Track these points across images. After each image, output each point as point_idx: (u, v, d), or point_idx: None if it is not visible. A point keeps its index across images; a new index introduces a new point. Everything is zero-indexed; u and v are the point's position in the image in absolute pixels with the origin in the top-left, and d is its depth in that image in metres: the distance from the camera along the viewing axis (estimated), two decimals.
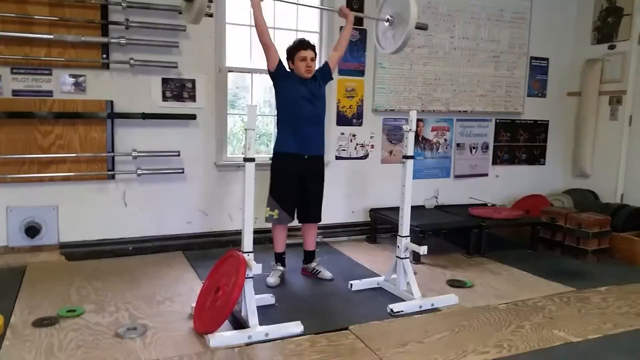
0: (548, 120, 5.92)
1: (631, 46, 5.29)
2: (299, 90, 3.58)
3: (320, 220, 3.85)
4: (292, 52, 3.62)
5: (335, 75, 4.68)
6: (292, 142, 3.61)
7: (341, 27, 3.86)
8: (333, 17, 4.69)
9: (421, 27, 3.73)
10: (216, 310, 2.78)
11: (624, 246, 4.52)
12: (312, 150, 3.67)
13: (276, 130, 3.75)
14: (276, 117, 3.75)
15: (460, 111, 5.38)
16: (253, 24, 3.51)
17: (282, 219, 3.66)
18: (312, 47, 3.63)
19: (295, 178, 3.63)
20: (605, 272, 4.15)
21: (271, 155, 3.77)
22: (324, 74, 3.75)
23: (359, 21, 4.77)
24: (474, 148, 5.55)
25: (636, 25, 5.24)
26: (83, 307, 3.12)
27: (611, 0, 5.48)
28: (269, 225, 3.78)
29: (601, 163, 5.58)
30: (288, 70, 3.65)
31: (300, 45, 3.60)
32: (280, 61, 3.59)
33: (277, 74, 3.60)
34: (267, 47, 3.53)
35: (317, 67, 3.72)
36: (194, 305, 2.98)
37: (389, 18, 3.63)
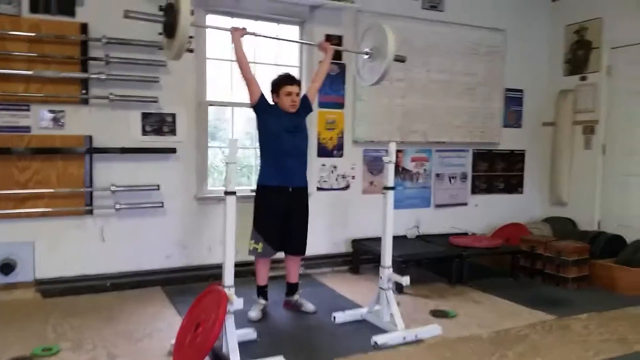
0: (524, 150, 6.04)
1: (600, 78, 5.46)
2: (281, 124, 3.60)
3: (304, 253, 3.83)
4: (277, 86, 3.66)
5: (315, 107, 4.74)
6: (275, 175, 3.62)
7: (320, 61, 3.92)
8: (312, 51, 4.78)
9: (400, 59, 3.82)
10: (196, 347, 2.72)
11: (603, 273, 4.57)
12: (296, 182, 3.67)
13: (259, 162, 3.76)
14: (259, 150, 3.76)
15: (438, 142, 5.46)
16: (234, 58, 3.56)
17: (266, 252, 3.63)
18: (298, 83, 3.68)
19: (279, 211, 3.63)
20: (585, 299, 4.19)
21: (252, 188, 3.76)
22: (305, 106, 3.78)
23: (338, 56, 4.86)
24: (453, 178, 5.62)
25: (604, 57, 5.43)
26: (59, 345, 3.04)
27: (580, 34, 5.68)
28: (251, 258, 3.74)
29: (578, 191, 5.69)
30: (271, 103, 3.68)
31: (286, 80, 3.64)
32: (262, 95, 3.62)
33: (260, 108, 3.63)
34: (249, 81, 3.57)
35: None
36: (173, 342, 2.92)
37: (368, 51, 3.71)
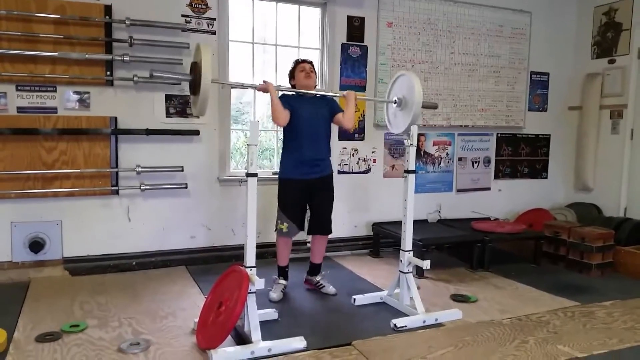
0: (550, 134, 5.94)
1: (631, 60, 5.32)
2: (301, 113, 3.56)
3: (330, 232, 3.84)
4: (292, 70, 3.74)
5: (335, 89, 4.77)
6: (295, 169, 3.62)
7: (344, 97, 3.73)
8: (334, 34, 4.75)
9: (430, 106, 3.82)
10: (219, 325, 2.78)
11: (628, 260, 4.50)
12: (317, 173, 3.67)
13: (281, 154, 3.75)
14: (283, 141, 3.75)
15: (461, 125, 5.40)
16: (270, 105, 3.43)
17: (290, 232, 3.66)
18: (310, 62, 3.75)
19: (301, 196, 3.66)
20: (609, 287, 4.13)
21: (274, 170, 3.78)
22: (334, 107, 3.71)
23: (359, 38, 4.84)
24: (475, 162, 5.57)
25: (635, 40, 5.28)
26: (86, 322, 3.12)
27: (610, 15, 5.53)
28: (272, 239, 3.77)
29: (603, 177, 5.59)
30: (290, 95, 3.63)
31: (298, 62, 3.75)
32: (280, 97, 3.50)
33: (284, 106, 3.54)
34: (282, 125, 3.57)
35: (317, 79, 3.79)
36: (196, 320, 2.98)
37: (397, 100, 3.65)
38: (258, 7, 4.58)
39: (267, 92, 3.36)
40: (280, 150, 3.83)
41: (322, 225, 3.78)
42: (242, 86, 3.87)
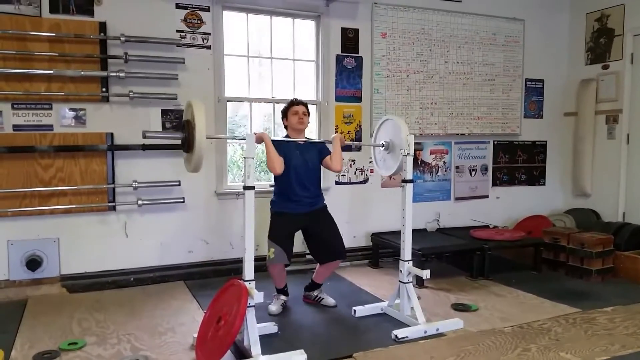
0: (546, 141, 5.95)
1: (624, 66, 5.35)
2: (292, 160, 3.56)
3: (345, 256, 3.79)
4: (285, 111, 3.71)
5: (330, 100, 4.78)
6: (287, 202, 3.61)
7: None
8: (329, 46, 4.77)
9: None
10: (218, 340, 2.75)
11: (628, 265, 4.49)
12: (311, 207, 3.66)
13: (273, 191, 3.75)
14: (273, 181, 3.73)
15: (458, 134, 5.41)
16: (265, 153, 3.44)
17: (278, 257, 3.53)
18: (304, 104, 3.71)
19: (294, 223, 3.62)
20: (610, 292, 4.12)
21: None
22: (323, 151, 3.71)
23: (354, 49, 4.87)
24: (473, 170, 5.57)
25: (627, 45, 5.31)
26: (85, 339, 3.09)
27: (602, 21, 5.57)
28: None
29: (601, 182, 5.59)
30: (280, 141, 3.59)
31: (293, 102, 3.71)
32: (272, 142, 3.47)
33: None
34: (278, 174, 3.51)
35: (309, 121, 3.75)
36: (195, 335, 2.95)
37: (384, 143, 3.68)
38: (252, 20, 4.61)
39: (261, 142, 3.37)
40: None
41: (335, 250, 3.71)
42: (236, 138, 3.79)
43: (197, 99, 2.94)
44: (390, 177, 3.67)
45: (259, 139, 3.33)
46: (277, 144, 3.53)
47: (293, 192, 3.59)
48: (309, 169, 3.65)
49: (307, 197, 3.64)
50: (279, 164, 3.45)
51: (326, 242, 3.69)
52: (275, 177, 3.66)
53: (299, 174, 3.59)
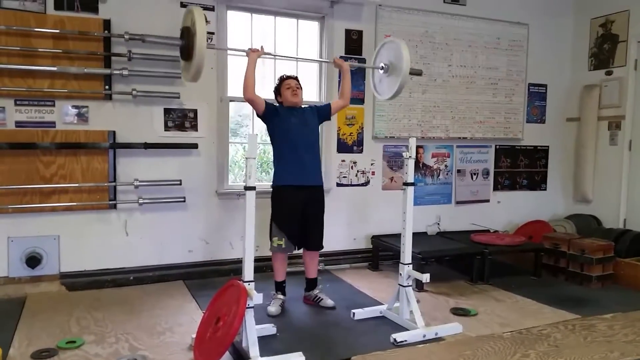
0: (548, 146, 5.94)
1: (627, 72, 5.34)
2: (290, 121, 3.63)
3: (322, 248, 3.84)
4: (278, 86, 3.76)
5: (333, 100, 4.75)
6: (290, 174, 3.63)
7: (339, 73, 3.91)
8: (332, 48, 4.76)
9: (415, 73, 3.83)
10: (217, 341, 2.75)
11: (628, 272, 4.48)
12: (310, 181, 3.69)
13: (273, 165, 3.78)
14: (272, 154, 3.78)
15: (460, 137, 5.41)
16: (243, 75, 3.53)
17: (288, 248, 3.67)
18: (295, 78, 3.76)
19: (297, 208, 3.65)
20: (610, 299, 4.11)
21: (271, 184, 3.78)
22: (323, 111, 3.81)
23: (357, 51, 4.86)
24: (474, 174, 5.56)
25: (631, 51, 5.31)
26: (83, 338, 3.09)
27: (606, 27, 5.56)
28: (270, 253, 3.76)
29: (602, 188, 5.58)
30: (276, 104, 3.71)
31: (283, 78, 3.76)
32: (266, 103, 3.64)
33: (267, 113, 3.65)
34: (251, 99, 3.58)
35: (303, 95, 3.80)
36: (194, 335, 2.95)
37: (384, 66, 3.68)
38: (257, 20, 4.60)
39: (258, 57, 3.47)
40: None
41: (314, 241, 3.77)
42: (237, 50, 3.86)
43: (197, 7, 2.90)
44: (389, 99, 3.78)
45: (256, 55, 3.45)
46: (273, 107, 3.62)
47: (296, 158, 3.61)
48: (309, 131, 3.69)
49: (309, 166, 3.65)
50: (252, 90, 3.50)
51: (310, 232, 3.72)
52: (275, 144, 3.70)
53: (300, 136, 3.62)
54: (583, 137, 5.69)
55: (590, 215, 5.61)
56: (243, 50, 3.56)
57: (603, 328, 3.45)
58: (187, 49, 2.86)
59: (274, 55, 3.70)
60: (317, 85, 4.87)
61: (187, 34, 2.84)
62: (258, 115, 3.69)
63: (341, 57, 4.78)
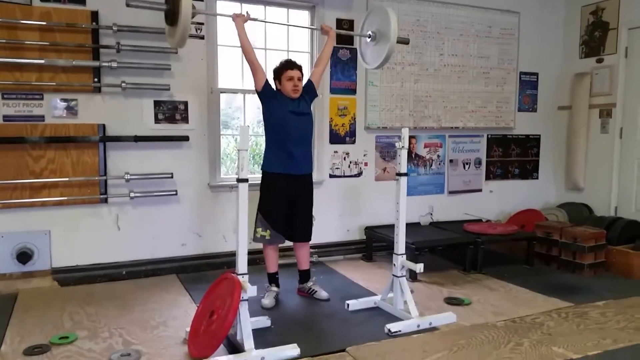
0: (540, 135, 5.95)
1: (618, 59, 5.35)
2: (286, 109, 3.59)
3: (310, 239, 3.82)
4: (278, 72, 3.64)
5: (326, 92, 4.73)
6: (280, 162, 3.61)
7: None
8: (323, 37, 4.70)
9: (403, 41, 3.80)
10: (211, 334, 2.74)
11: (620, 259, 4.51)
12: (300, 169, 3.66)
13: (264, 149, 3.75)
14: (265, 137, 3.75)
15: (452, 127, 5.40)
16: (239, 45, 3.54)
17: (274, 239, 3.64)
18: (299, 67, 3.64)
19: (285, 197, 3.62)
20: (602, 286, 4.14)
21: (261, 168, 3.75)
22: (309, 91, 3.75)
23: (349, 41, 4.82)
24: (467, 164, 5.57)
25: (622, 39, 5.31)
26: (76, 333, 3.07)
27: (597, 14, 5.56)
28: (261, 245, 3.75)
29: (594, 176, 5.61)
30: (275, 89, 3.66)
31: (287, 65, 3.62)
32: (267, 81, 3.60)
33: (265, 94, 3.61)
34: (254, 65, 3.55)
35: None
36: (188, 329, 2.94)
37: (371, 34, 3.68)
38: (246, 9, 4.54)
39: (244, 22, 3.46)
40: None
41: (302, 232, 3.75)
42: (220, 15, 3.85)
43: None
44: (377, 67, 3.82)
45: (242, 21, 3.45)
46: (273, 90, 3.59)
47: (285, 148, 3.58)
48: (303, 122, 3.65)
49: (299, 152, 3.61)
50: (251, 50, 3.52)
51: (298, 223, 3.70)
52: (267, 131, 3.67)
53: (294, 121, 3.58)
54: (574, 125, 5.70)
55: (582, 203, 5.64)
56: (229, 16, 3.52)
57: (595, 315, 3.48)
58: (172, 13, 2.84)
59: (259, 20, 3.71)
60: (308, 55, 4.81)
61: None
62: (256, 90, 3.62)
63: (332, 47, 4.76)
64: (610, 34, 5.42)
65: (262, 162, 3.74)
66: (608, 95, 5.45)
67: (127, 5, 2.93)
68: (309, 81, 3.78)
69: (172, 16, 2.88)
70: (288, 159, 3.59)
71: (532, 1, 5.69)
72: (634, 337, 3.12)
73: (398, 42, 3.65)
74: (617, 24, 5.36)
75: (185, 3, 2.75)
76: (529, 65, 5.77)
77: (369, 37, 3.73)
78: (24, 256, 3.88)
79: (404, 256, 3.47)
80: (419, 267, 3.39)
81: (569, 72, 5.82)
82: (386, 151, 5.11)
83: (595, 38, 5.58)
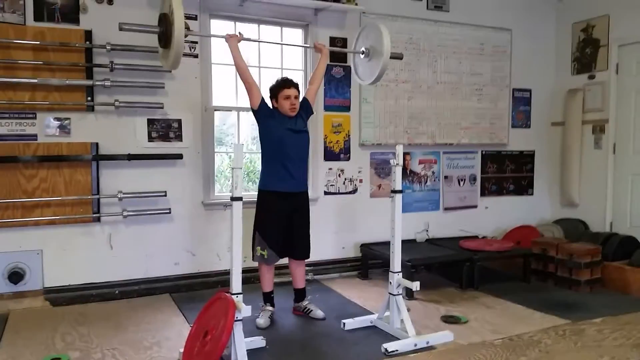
0: (534, 151, 5.97)
1: (609, 76, 5.39)
2: (283, 128, 3.58)
3: (308, 257, 3.80)
4: (275, 90, 3.63)
5: (320, 109, 4.74)
6: (277, 180, 3.59)
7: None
8: (317, 55, 4.73)
9: (396, 57, 3.83)
10: (205, 355, 2.70)
11: (616, 275, 4.50)
12: (297, 187, 3.65)
13: (260, 167, 3.74)
14: (261, 154, 3.74)
15: (446, 144, 5.41)
16: (233, 64, 3.55)
17: (271, 259, 3.61)
18: (296, 86, 3.64)
19: (282, 216, 3.60)
20: (599, 303, 4.12)
21: (257, 192, 3.74)
22: (305, 108, 3.75)
23: (342, 58, 4.85)
24: (462, 180, 5.57)
25: (612, 55, 5.36)
26: (68, 354, 3.02)
27: (587, 32, 5.62)
28: (257, 264, 3.71)
29: (589, 192, 5.62)
30: (271, 107, 3.65)
31: (284, 84, 3.61)
32: (263, 99, 3.60)
33: (261, 112, 3.60)
34: (249, 84, 3.55)
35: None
36: (182, 350, 2.90)
37: (364, 50, 3.72)
38: (240, 29, 4.56)
39: (238, 42, 3.47)
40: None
41: (301, 250, 3.72)
42: (217, 36, 3.85)
43: None
44: (372, 83, 3.87)
45: (235, 41, 3.46)
46: (269, 108, 3.60)
47: (282, 166, 3.56)
48: (300, 140, 3.65)
49: (295, 170, 3.60)
50: (247, 70, 3.52)
51: (296, 241, 3.68)
52: (264, 149, 3.66)
53: (289, 149, 3.57)
54: (568, 141, 5.73)
55: (578, 219, 5.63)
56: (222, 37, 3.53)
57: (593, 333, 3.45)
58: (165, 35, 2.85)
59: (253, 40, 3.76)
60: (302, 94, 4.81)
61: (165, 21, 2.83)
62: (252, 108, 3.61)
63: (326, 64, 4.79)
64: (601, 50, 5.47)
65: (258, 180, 3.72)
66: (600, 111, 5.49)
67: (120, 29, 2.95)
68: (305, 99, 3.78)
69: (165, 39, 2.89)
70: (285, 176, 3.58)
71: (524, 18, 5.75)
72: (631, 354, 3.09)
73: (391, 57, 3.67)
74: (607, 41, 5.41)
75: (177, 27, 2.76)
76: (522, 82, 5.81)
77: (362, 54, 3.76)
78: (15, 276, 3.83)
79: (400, 274, 3.44)
80: (415, 285, 3.36)
81: (561, 89, 5.87)
82: (381, 168, 5.11)
83: (587, 55, 5.64)
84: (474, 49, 5.48)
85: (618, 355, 3.06)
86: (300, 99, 3.70)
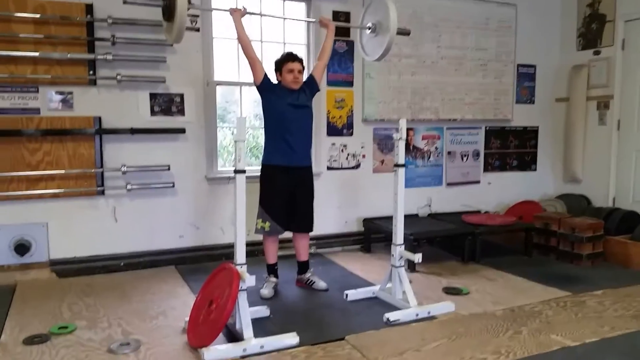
0: (538, 127, 5.95)
1: (615, 52, 5.34)
2: (285, 102, 3.59)
3: (311, 230, 3.83)
4: (279, 64, 3.64)
5: (323, 86, 4.70)
6: (279, 154, 3.61)
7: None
8: (319, 29, 4.69)
9: (403, 32, 3.80)
10: (210, 323, 2.74)
11: (618, 250, 4.52)
12: (300, 162, 3.67)
13: (264, 141, 3.75)
14: (264, 129, 3.75)
15: (450, 119, 5.39)
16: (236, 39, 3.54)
17: (273, 231, 3.64)
18: (300, 60, 3.64)
19: (284, 189, 3.62)
20: (600, 276, 4.14)
21: (260, 167, 3.75)
22: (311, 85, 3.75)
23: (345, 32, 4.81)
24: (465, 155, 5.56)
25: (619, 31, 5.30)
26: (75, 323, 3.07)
27: (594, 7, 5.55)
28: (260, 237, 3.75)
29: (592, 168, 5.61)
30: (275, 82, 3.66)
31: (288, 57, 3.62)
32: (265, 74, 3.60)
33: (264, 87, 3.61)
34: (252, 60, 3.55)
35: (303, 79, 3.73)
36: (187, 319, 2.94)
37: (371, 26, 3.68)
38: (242, 2, 4.52)
39: (241, 17, 3.46)
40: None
41: (305, 223, 3.75)
42: (217, 10, 3.87)
43: None
44: (378, 59, 3.86)
45: (239, 15, 3.44)
46: (272, 83, 3.59)
47: (284, 140, 3.58)
48: (302, 115, 3.65)
49: (298, 144, 3.62)
50: (250, 45, 3.52)
51: (299, 214, 3.70)
52: (267, 124, 3.67)
53: (293, 113, 3.58)
54: (572, 117, 5.70)
55: (580, 194, 5.64)
56: (226, 10, 3.51)
57: (593, 304, 3.48)
58: (168, 9, 2.85)
59: (257, 14, 3.73)
60: (305, 47, 4.80)
61: None
62: (255, 84, 3.62)
63: None
64: (607, 26, 5.41)
65: (261, 155, 3.73)
66: (605, 87, 5.45)
67: (125, 2, 2.93)
68: (311, 76, 3.78)
69: (168, 12, 2.88)
70: (287, 150, 3.59)
71: None
72: (631, 324, 3.13)
73: (398, 33, 3.64)
74: (613, 16, 5.35)
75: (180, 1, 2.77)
76: (527, 58, 5.76)
77: (369, 29, 3.72)
78: (21, 248, 3.88)
79: (402, 246, 3.46)
80: (418, 257, 3.38)
81: (566, 64, 5.82)
82: (384, 143, 5.10)
83: (592, 30, 5.58)
84: (478, 23, 5.42)
85: (618, 326, 3.10)
86: (306, 75, 3.69)
